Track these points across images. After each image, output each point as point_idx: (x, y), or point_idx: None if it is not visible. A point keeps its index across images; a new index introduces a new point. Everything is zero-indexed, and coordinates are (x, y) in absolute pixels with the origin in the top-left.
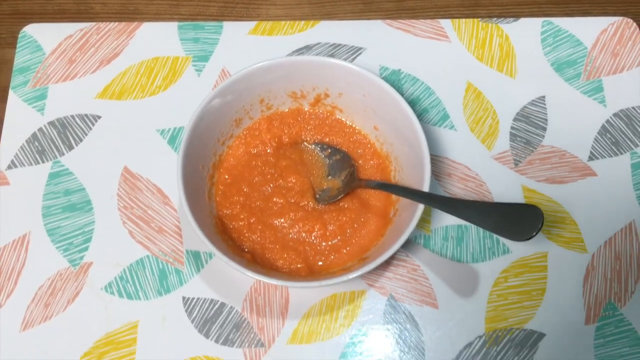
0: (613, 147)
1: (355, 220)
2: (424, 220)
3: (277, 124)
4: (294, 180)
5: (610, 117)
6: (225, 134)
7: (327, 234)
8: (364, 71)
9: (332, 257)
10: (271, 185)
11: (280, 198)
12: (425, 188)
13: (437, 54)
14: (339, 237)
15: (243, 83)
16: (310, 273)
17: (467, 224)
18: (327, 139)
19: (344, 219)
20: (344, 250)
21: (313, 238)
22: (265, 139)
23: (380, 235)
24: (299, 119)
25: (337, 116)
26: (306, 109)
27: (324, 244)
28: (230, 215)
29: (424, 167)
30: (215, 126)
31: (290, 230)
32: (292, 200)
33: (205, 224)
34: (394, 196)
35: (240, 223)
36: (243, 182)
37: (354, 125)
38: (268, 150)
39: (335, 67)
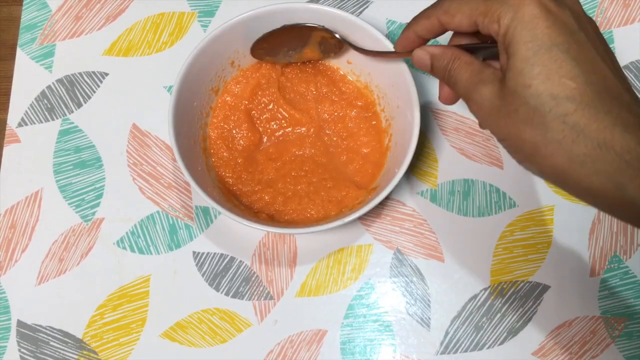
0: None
1: (355, 158)
2: (430, 175)
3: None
4: (286, 115)
5: None
6: (206, 106)
7: (331, 176)
8: (321, 7)
9: (343, 193)
10: (265, 137)
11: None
12: (415, 102)
13: None
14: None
15: (206, 55)
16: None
17: (474, 178)
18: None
19: (344, 158)
20: (354, 189)
21: (321, 183)
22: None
23: (381, 165)
24: (274, 75)
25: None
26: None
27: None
28: (234, 182)
29: (406, 81)
30: (195, 104)
31: (297, 183)
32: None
33: (214, 195)
34: (384, 123)
35: (247, 188)
36: (237, 149)
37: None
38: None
39: (292, 11)
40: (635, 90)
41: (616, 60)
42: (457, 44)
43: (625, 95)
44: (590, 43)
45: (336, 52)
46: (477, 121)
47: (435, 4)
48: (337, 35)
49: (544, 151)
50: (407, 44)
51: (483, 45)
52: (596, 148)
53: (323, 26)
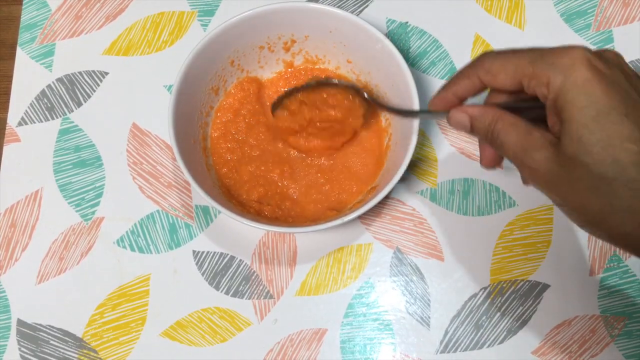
0: None
1: (355, 157)
2: (430, 174)
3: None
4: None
5: None
6: (206, 105)
7: (333, 179)
8: (321, 7)
9: (344, 195)
10: (270, 147)
11: (279, 162)
12: (415, 102)
13: (444, 6)
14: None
15: (206, 55)
16: (338, 212)
17: (474, 177)
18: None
19: (345, 164)
20: (354, 188)
21: (323, 187)
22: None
23: (381, 164)
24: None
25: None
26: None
27: (328, 186)
28: (237, 185)
29: (407, 81)
30: (195, 103)
31: (296, 186)
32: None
33: (214, 195)
34: (384, 122)
35: (252, 196)
36: (243, 154)
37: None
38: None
39: (292, 11)
40: None
41: None
42: (495, 101)
43: None
44: None
45: (363, 112)
46: None
47: (474, 62)
48: (366, 96)
49: (613, 219)
50: (444, 104)
51: (525, 106)
52: None
53: (353, 84)
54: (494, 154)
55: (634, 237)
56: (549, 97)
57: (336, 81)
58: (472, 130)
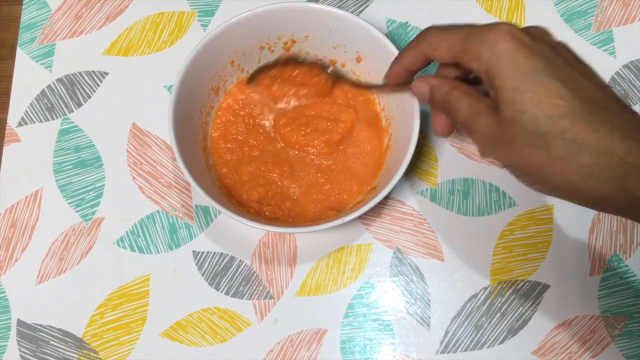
0: (623, 99)
1: (355, 157)
2: (430, 174)
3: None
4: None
5: (620, 69)
6: (206, 105)
7: (333, 175)
8: (321, 7)
9: (344, 195)
10: (270, 147)
11: (277, 161)
12: (415, 103)
13: (445, 6)
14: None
15: (206, 55)
16: (338, 212)
17: (474, 177)
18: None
19: (343, 164)
20: (354, 188)
21: (323, 187)
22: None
23: (382, 164)
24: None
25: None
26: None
27: (328, 186)
28: (237, 185)
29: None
30: (195, 103)
31: (296, 185)
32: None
33: (214, 195)
34: (384, 122)
35: (247, 187)
36: (241, 154)
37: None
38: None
39: (292, 11)
40: (635, 89)
41: (598, 76)
42: (445, 75)
43: (612, 104)
44: (569, 65)
45: (329, 89)
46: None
47: (419, 36)
48: (329, 71)
49: (551, 169)
50: (397, 77)
51: (473, 79)
52: (600, 156)
53: (317, 61)
54: (447, 122)
55: (572, 184)
56: (481, 70)
57: (302, 59)
58: (430, 99)
